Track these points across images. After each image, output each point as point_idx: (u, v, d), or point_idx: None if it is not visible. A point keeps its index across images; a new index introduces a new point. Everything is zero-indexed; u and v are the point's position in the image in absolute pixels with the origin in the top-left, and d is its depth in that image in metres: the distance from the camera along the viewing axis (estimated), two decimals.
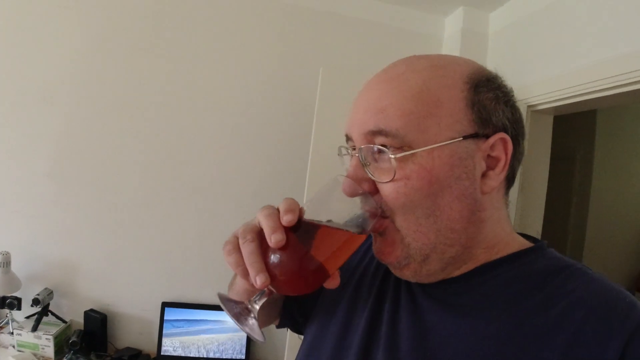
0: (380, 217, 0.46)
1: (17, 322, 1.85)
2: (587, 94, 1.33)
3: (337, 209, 0.46)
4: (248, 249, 0.45)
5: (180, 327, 1.78)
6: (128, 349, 1.80)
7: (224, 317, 1.78)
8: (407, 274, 0.48)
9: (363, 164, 0.46)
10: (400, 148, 0.44)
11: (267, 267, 0.44)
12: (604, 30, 1.30)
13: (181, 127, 1.78)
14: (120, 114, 1.74)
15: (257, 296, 0.49)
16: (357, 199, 0.45)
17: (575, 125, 2.38)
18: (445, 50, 1.96)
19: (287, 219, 0.44)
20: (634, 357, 0.38)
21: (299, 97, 1.83)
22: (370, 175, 0.46)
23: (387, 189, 0.45)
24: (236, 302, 0.51)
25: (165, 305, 1.78)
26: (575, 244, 2.51)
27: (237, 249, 0.46)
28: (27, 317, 1.81)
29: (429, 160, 0.43)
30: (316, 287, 0.46)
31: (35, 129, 1.74)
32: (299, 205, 0.47)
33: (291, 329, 0.71)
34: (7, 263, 1.72)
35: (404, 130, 0.44)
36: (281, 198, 0.48)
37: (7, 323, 1.83)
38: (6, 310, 1.82)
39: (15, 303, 1.77)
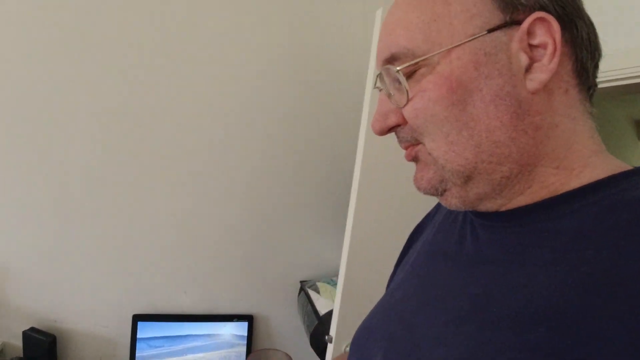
0: (413, 145, 0.42)
1: None
2: None
3: None
4: None
5: (159, 346, 1.33)
6: None
7: (216, 329, 1.36)
8: (454, 202, 0.41)
9: (388, 96, 0.42)
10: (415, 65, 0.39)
11: None
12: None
13: (152, 89, 1.28)
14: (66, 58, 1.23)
15: None
16: None
17: None
18: None
19: None
20: None
21: (344, 52, 1.36)
22: (394, 106, 0.42)
23: (406, 111, 0.40)
24: None
25: (137, 318, 1.32)
26: None
27: None
28: None
29: (445, 65, 0.38)
30: None
31: None
32: None
33: None
34: None
35: (411, 44, 0.39)
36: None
37: None
38: None
39: None
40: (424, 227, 0.58)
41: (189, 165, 1.33)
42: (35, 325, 1.32)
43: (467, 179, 0.39)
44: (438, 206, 0.57)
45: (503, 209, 0.41)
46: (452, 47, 0.37)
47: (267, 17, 1.33)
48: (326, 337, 1.08)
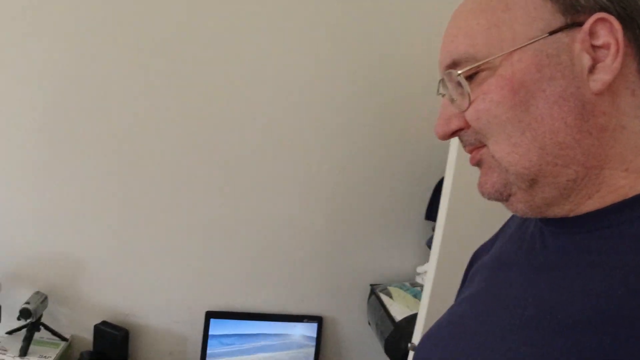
0: (477, 148, 0.42)
1: None
2: None
3: None
4: None
5: (229, 344, 1.33)
6: None
7: (286, 329, 1.36)
8: (520, 207, 0.41)
9: (450, 101, 0.43)
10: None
11: None
12: None
13: (235, 91, 1.29)
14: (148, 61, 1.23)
15: None
16: None
17: None
18: None
19: None
20: None
21: (431, 55, 1.38)
22: (457, 110, 0.42)
23: (469, 114, 0.40)
24: None
25: (210, 315, 1.32)
26: None
27: None
28: (9, 333, 1.29)
29: (507, 67, 0.38)
30: None
31: (21, 85, 1.19)
32: None
33: None
34: None
35: (473, 49, 0.39)
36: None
37: None
38: None
39: None
40: (493, 241, 0.58)
41: (266, 166, 1.33)
42: (107, 319, 1.31)
43: (532, 182, 0.39)
44: (509, 220, 0.57)
45: (572, 214, 0.40)
46: (514, 50, 0.38)
47: (351, 18, 1.33)
48: (409, 345, 1.09)
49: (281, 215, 1.36)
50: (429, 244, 1.38)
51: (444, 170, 1.38)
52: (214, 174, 1.31)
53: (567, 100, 0.37)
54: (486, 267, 0.52)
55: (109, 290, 1.32)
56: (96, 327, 1.29)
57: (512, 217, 0.56)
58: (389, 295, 1.35)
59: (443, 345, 0.48)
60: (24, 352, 1.22)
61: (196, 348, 1.34)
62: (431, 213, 1.41)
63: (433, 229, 1.39)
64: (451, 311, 0.53)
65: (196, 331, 1.34)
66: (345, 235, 1.40)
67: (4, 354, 1.21)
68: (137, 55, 1.22)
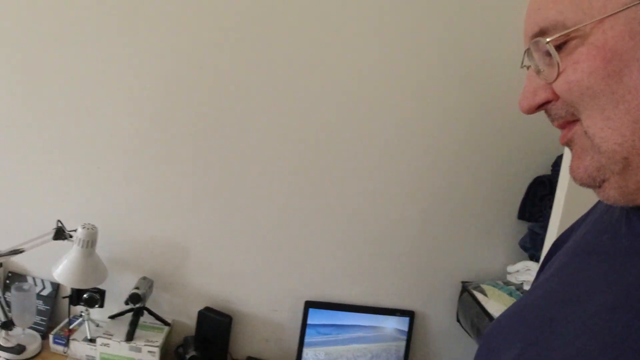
0: (568, 123, 0.40)
1: (96, 322, 1.32)
2: None
3: None
4: None
5: (326, 333, 1.36)
6: (250, 359, 1.35)
7: (380, 322, 1.39)
8: (612, 194, 0.38)
9: (537, 73, 0.40)
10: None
11: None
12: None
13: (338, 90, 1.28)
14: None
15: None
16: None
17: None
18: None
19: None
20: None
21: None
22: (544, 81, 0.40)
23: (558, 85, 0.38)
24: None
25: (309, 305, 1.34)
26: None
27: None
28: (112, 317, 1.30)
29: (599, 35, 0.35)
30: None
31: (135, 78, 1.19)
32: None
33: None
34: (91, 242, 1.19)
35: (562, 16, 0.37)
36: None
37: (81, 324, 1.31)
38: (81, 308, 1.29)
39: (97, 298, 1.25)
40: (573, 230, 0.56)
41: (366, 163, 1.34)
42: (210, 305, 1.33)
43: (626, 163, 0.36)
44: (591, 209, 0.55)
45: None
46: (605, 17, 0.35)
47: (451, 17, 1.32)
48: None
49: (379, 211, 1.37)
50: (522, 243, 1.40)
51: (536, 169, 1.41)
52: (316, 168, 1.32)
53: None
54: (566, 254, 0.51)
55: (211, 277, 1.33)
56: (200, 313, 1.31)
57: (596, 205, 0.54)
58: (483, 292, 1.38)
59: (512, 334, 0.47)
60: (130, 336, 1.23)
61: (292, 336, 1.36)
62: (524, 212, 1.43)
63: (529, 229, 1.42)
64: (524, 298, 0.51)
65: (293, 320, 1.36)
66: (439, 232, 1.42)
67: (110, 338, 1.23)
68: (235, 53, 1.22)
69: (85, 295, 1.24)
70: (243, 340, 1.37)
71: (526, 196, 1.42)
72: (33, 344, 1.26)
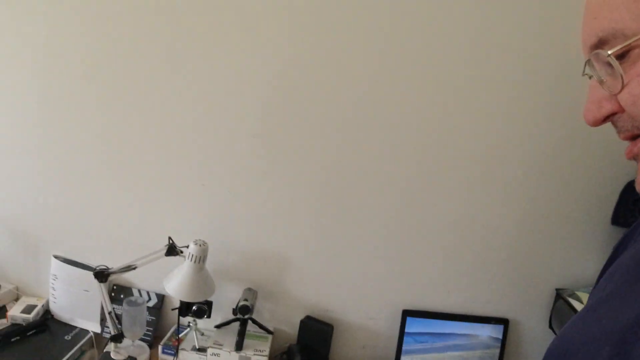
0: (635, 136, 0.38)
1: (201, 331, 1.36)
2: None
3: None
4: None
5: (423, 341, 1.37)
6: None
7: (475, 330, 1.39)
8: None
9: (600, 83, 0.39)
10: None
11: None
12: None
13: (436, 94, 1.26)
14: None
15: None
16: None
17: None
18: None
19: None
20: None
21: None
22: (608, 92, 0.38)
23: (623, 98, 0.37)
24: None
25: (406, 314, 1.35)
26: None
27: None
28: (218, 327, 1.33)
29: None
30: None
31: (235, 92, 1.19)
32: None
33: None
34: (202, 258, 1.20)
35: (619, 24, 0.35)
36: None
37: (187, 334, 1.34)
38: (189, 319, 1.32)
39: (205, 309, 1.28)
40: (631, 238, 0.53)
41: (462, 170, 1.32)
42: (310, 314, 1.35)
43: None
44: None
45: None
46: None
47: (548, 18, 1.29)
48: None
49: (476, 219, 1.36)
50: None
51: (629, 174, 1.39)
52: (416, 178, 1.31)
53: None
54: (623, 264, 0.48)
55: (311, 286, 1.35)
56: (302, 322, 1.33)
57: None
58: (579, 300, 1.37)
59: (570, 347, 0.43)
60: (239, 346, 1.26)
61: (388, 343, 1.38)
62: (617, 218, 1.41)
63: (622, 235, 1.41)
64: (585, 313, 0.48)
65: (390, 328, 1.37)
66: (533, 240, 1.41)
67: (220, 348, 1.26)
68: (349, 59, 1.20)
69: (194, 307, 1.26)
70: (340, 347, 1.39)
71: (619, 201, 1.40)
72: (142, 354, 1.30)
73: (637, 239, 0.50)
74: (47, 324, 1.42)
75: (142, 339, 1.34)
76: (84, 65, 1.25)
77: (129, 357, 1.27)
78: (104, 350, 1.29)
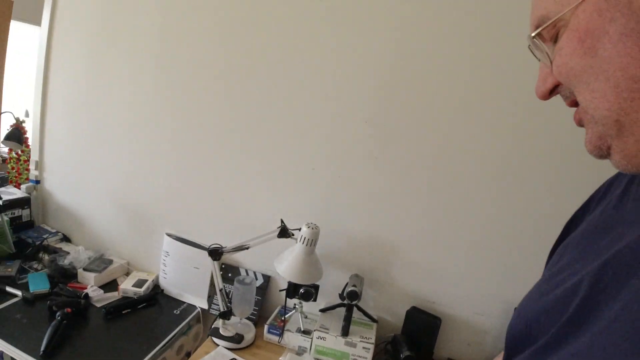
0: (575, 103, 0.43)
1: (304, 314, 1.37)
2: None
3: None
4: None
5: None
6: None
7: None
8: (619, 160, 0.40)
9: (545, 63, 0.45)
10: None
11: None
12: None
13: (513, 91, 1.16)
14: None
15: None
16: None
17: None
18: None
19: None
20: None
21: None
22: (548, 69, 0.44)
23: (554, 71, 0.42)
24: None
25: None
26: None
27: None
28: (323, 310, 1.34)
29: (575, 20, 0.39)
30: None
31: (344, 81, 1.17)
32: None
33: None
34: (314, 241, 1.21)
35: (546, 10, 0.42)
36: None
37: (291, 316, 1.36)
38: (295, 301, 1.34)
39: (312, 292, 1.29)
40: (586, 210, 0.58)
41: (549, 167, 1.23)
42: (415, 305, 1.32)
43: (619, 125, 0.38)
44: (608, 186, 0.56)
45: None
46: (579, 3, 0.39)
47: None
48: None
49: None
50: None
51: None
52: (523, 169, 1.23)
53: (629, 36, 0.37)
54: (577, 232, 0.53)
55: (417, 276, 1.32)
56: (408, 312, 1.30)
57: (616, 179, 0.54)
58: None
59: (528, 318, 0.48)
60: (345, 331, 1.25)
61: (494, 342, 1.31)
62: None
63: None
64: (540, 283, 0.52)
65: (498, 326, 1.31)
66: None
67: (327, 332, 1.25)
68: (432, 58, 1.14)
69: (301, 290, 1.28)
70: (444, 341, 1.34)
71: None
72: (249, 333, 1.34)
73: (584, 219, 0.56)
74: (156, 298, 1.50)
75: (248, 318, 1.37)
76: (215, 68, 1.36)
77: (237, 334, 1.31)
78: (212, 326, 1.34)
